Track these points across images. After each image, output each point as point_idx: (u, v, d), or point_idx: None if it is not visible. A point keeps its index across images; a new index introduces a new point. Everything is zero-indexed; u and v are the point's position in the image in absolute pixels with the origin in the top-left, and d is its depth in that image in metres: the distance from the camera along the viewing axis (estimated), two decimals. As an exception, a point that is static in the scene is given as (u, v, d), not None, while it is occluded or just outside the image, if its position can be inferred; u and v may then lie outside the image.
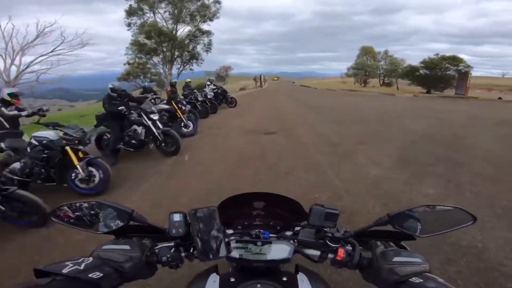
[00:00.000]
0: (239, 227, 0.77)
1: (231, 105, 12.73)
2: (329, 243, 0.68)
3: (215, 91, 12.05)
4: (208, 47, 21.97)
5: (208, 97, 10.99)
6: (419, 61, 23.68)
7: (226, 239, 0.66)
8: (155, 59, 20.81)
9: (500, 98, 20.89)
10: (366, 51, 35.50)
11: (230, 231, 0.74)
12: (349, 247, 0.69)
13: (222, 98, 12.41)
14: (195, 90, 10.47)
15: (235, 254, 0.67)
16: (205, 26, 21.65)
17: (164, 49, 20.39)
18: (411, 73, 24.45)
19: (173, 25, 20.75)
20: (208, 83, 12.24)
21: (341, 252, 0.67)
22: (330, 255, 0.69)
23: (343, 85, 35.47)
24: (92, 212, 0.70)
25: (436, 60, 22.22)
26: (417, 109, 11.65)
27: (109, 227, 0.68)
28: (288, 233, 0.73)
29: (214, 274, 0.67)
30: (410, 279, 0.56)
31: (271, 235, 0.71)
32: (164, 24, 20.66)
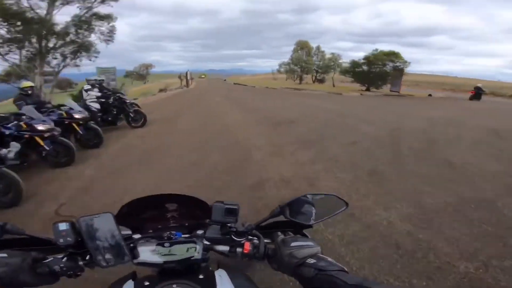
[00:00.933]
0: (150, 230, 0.74)
1: (136, 124, 7.29)
2: (235, 238, 0.71)
3: (103, 100, 6.92)
4: (109, 37, 15.66)
5: (93, 109, 6.54)
6: (361, 57, 22.56)
7: (132, 244, 0.66)
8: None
9: (430, 95, 21.46)
10: (302, 46, 33.02)
11: (137, 236, 0.71)
12: (255, 240, 0.71)
13: (118, 112, 7.15)
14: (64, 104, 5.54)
15: (143, 257, 0.67)
16: (103, 9, 15.15)
17: (32, 39, 13.42)
18: (351, 69, 23.15)
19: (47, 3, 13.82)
20: (87, 87, 6.87)
21: (247, 245, 0.69)
22: (239, 249, 0.71)
23: (277, 82, 32.99)
24: None
25: (378, 56, 21.08)
26: (392, 115, 9.72)
27: None
28: (200, 232, 0.74)
29: (130, 281, 0.65)
30: (306, 261, 0.63)
31: (183, 235, 0.71)
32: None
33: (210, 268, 0.72)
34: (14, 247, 0.67)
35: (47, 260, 0.63)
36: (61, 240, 0.62)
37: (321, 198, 0.80)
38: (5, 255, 0.60)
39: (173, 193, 0.77)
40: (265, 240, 0.72)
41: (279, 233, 0.75)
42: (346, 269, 0.60)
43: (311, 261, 0.63)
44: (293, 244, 0.67)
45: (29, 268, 0.60)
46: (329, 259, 0.63)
